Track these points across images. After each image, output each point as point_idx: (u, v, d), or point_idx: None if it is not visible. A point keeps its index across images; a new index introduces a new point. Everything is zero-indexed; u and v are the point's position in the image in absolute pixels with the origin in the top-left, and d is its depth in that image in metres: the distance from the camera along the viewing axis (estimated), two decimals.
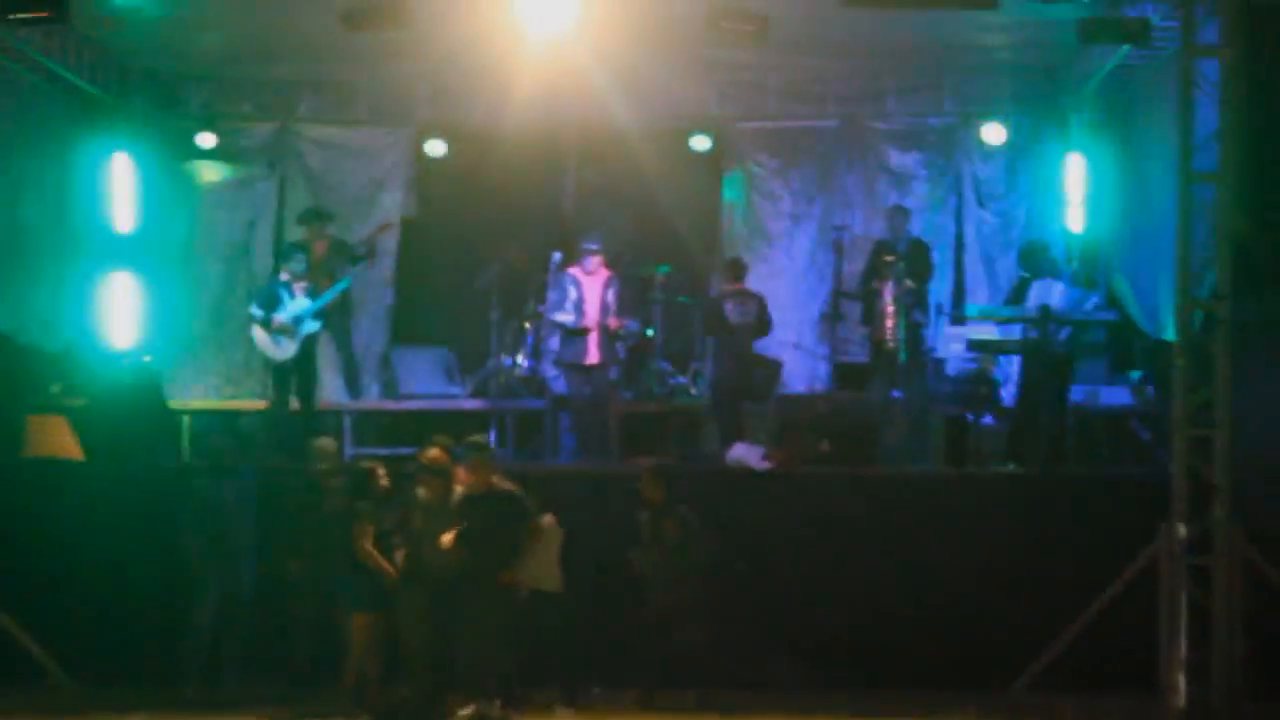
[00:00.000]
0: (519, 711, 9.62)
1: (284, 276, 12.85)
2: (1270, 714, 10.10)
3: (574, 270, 13.08)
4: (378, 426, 13.77)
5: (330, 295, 12.95)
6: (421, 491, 9.91)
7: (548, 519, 10.33)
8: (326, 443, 10.96)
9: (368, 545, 9.71)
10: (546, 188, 15.09)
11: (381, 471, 10.27)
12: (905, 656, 10.78)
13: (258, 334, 12.73)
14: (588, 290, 12.96)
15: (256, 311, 12.74)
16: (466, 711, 9.37)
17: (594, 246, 13.25)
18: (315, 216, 13.68)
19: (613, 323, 13.04)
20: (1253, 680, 10.16)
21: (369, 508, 10.04)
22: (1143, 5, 11.10)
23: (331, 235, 13.53)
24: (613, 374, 13.78)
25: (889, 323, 12.69)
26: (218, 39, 13.42)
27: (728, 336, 13.11)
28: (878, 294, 12.88)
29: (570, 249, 13.68)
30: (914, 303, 12.77)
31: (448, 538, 9.63)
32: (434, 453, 10.01)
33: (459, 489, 9.94)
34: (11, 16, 10.93)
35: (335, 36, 11.55)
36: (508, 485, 9.90)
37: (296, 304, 12.59)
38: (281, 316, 12.58)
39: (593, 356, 12.99)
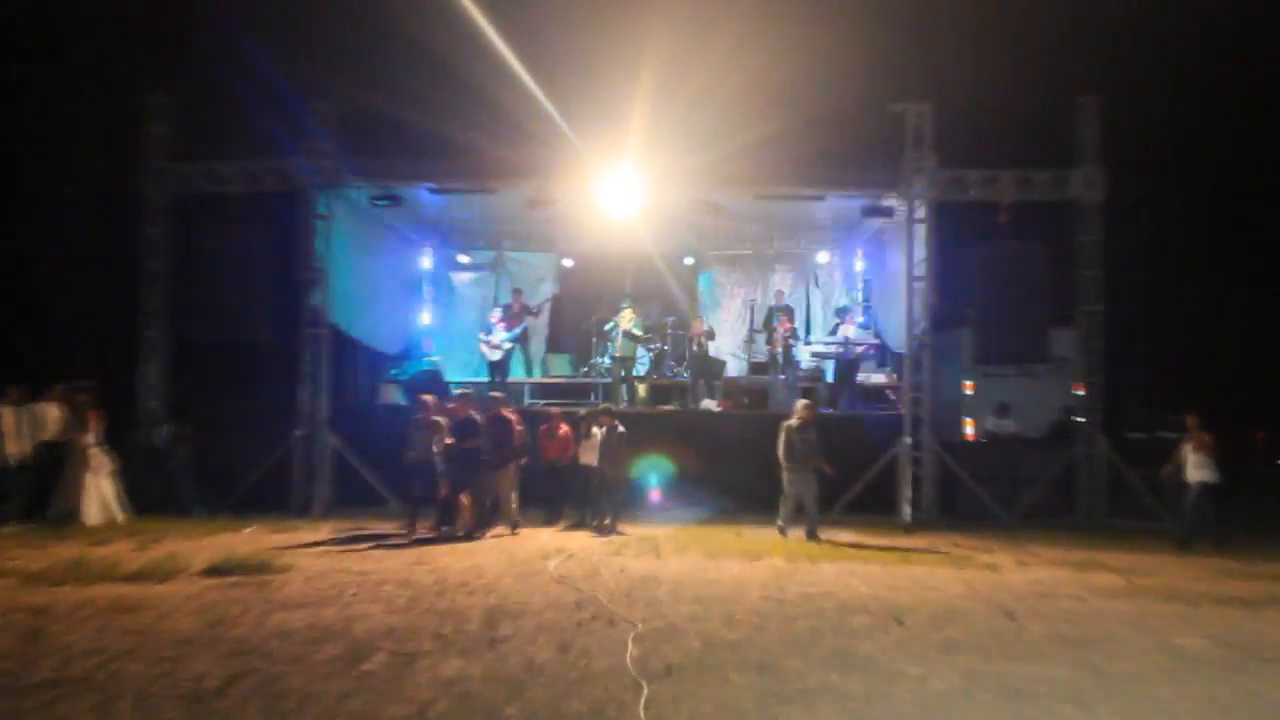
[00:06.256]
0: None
1: (494, 320, 12.69)
2: (947, 521, 10.18)
3: (617, 316, 12.92)
4: (541, 390, 13.35)
5: (516, 332, 12.62)
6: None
7: (600, 431, 9.71)
8: (498, 395, 10.17)
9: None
10: (617, 281, 14.33)
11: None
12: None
13: (481, 346, 12.66)
14: (622, 323, 12.64)
15: (480, 335, 12.74)
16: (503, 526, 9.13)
17: (623, 306, 12.88)
18: (517, 291, 13.32)
19: (631, 326, 12.64)
20: (940, 509, 10.54)
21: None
22: (890, 198, 11.08)
23: (524, 301, 13.13)
24: (643, 366, 13.45)
25: (780, 344, 12.56)
26: (470, 214, 13.26)
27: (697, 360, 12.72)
28: (776, 331, 12.64)
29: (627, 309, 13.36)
30: (790, 336, 12.61)
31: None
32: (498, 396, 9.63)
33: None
34: (376, 203, 11.41)
35: (521, 210, 11.72)
36: (508, 414, 9.40)
37: (498, 334, 12.48)
38: (490, 339, 12.48)
39: (622, 352, 12.72)
